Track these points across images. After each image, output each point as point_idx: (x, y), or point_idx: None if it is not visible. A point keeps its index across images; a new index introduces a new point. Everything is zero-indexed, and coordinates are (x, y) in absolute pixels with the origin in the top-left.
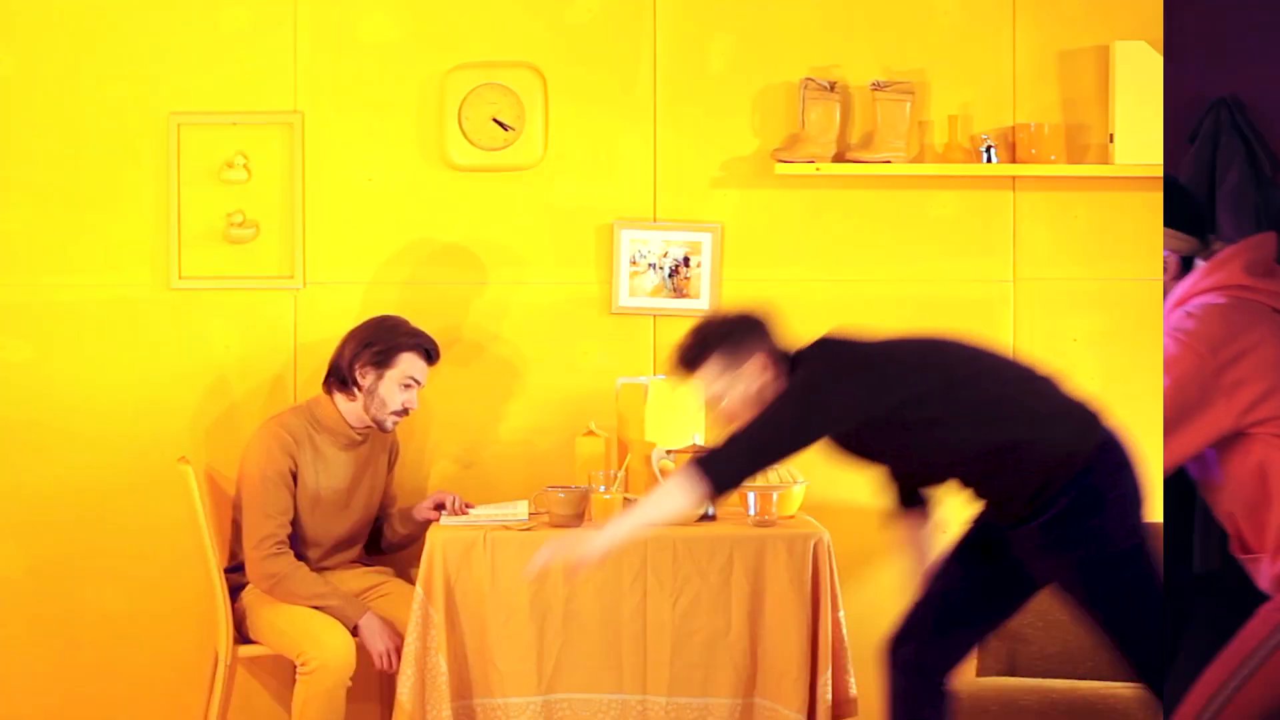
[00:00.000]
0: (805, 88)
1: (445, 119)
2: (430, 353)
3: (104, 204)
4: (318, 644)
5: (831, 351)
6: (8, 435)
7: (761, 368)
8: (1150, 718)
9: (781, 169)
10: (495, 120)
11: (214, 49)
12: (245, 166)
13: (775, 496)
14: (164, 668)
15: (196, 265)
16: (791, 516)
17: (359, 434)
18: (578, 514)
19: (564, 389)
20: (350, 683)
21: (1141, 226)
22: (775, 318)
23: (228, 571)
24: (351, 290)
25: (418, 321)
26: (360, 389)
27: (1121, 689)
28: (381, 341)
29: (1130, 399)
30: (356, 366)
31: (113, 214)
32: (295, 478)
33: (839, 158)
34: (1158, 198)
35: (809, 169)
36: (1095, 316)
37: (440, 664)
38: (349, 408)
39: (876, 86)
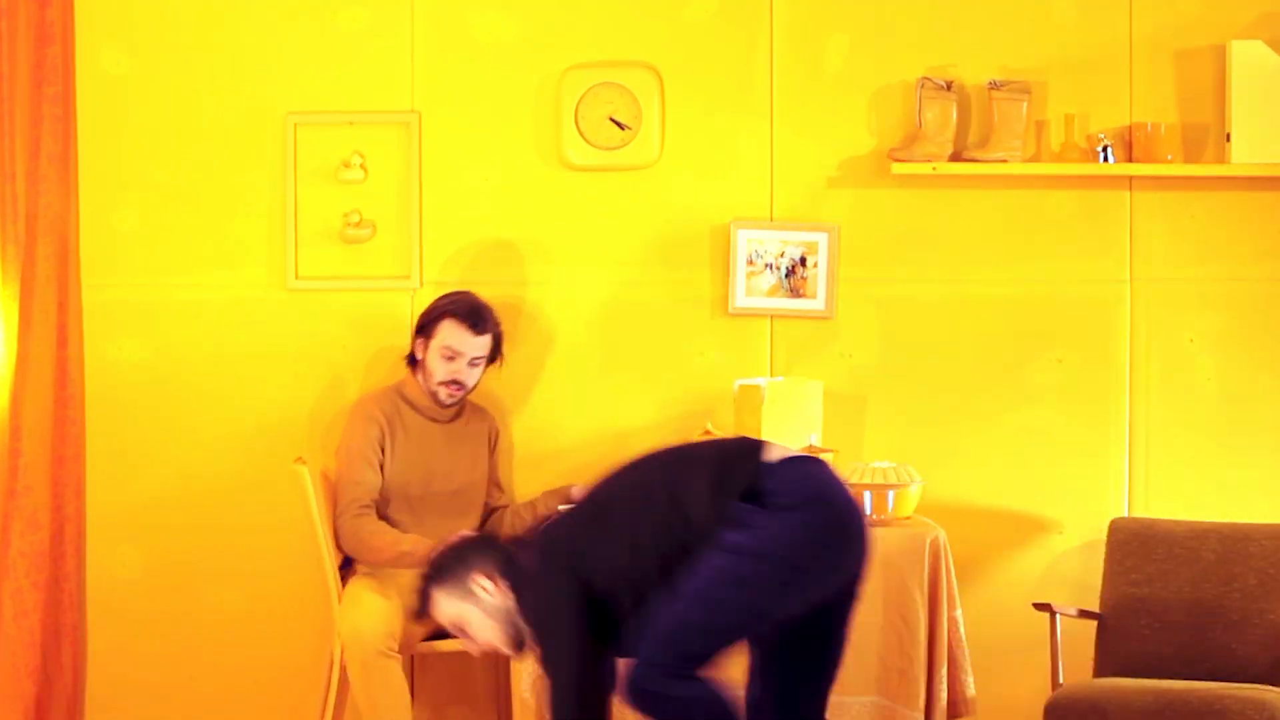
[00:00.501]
0: (922, 87)
1: (562, 118)
2: (470, 320)
3: (221, 204)
4: (345, 616)
5: (538, 562)
6: (125, 435)
7: (485, 586)
8: (1267, 718)
9: (898, 168)
10: (612, 120)
11: (331, 49)
12: (362, 166)
13: (891, 496)
14: (280, 667)
15: (313, 265)
16: (908, 517)
17: (444, 408)
18: None
19: (681, 389)
20: (397, 655)
21: (1260, 226)
22: (487, 537)
23: (341, 569)
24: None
25: (532, 319)
26: (418, 362)
27: (1237, 689)
28: (427, 312)
29: (1249, 398)
30: (413, 340)
31: (229, 214)
32: (384, 451)
33: (956, 157)
34: (1276, 197)
35: (926, 168)
36: (1212, 316)
37: None
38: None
39: (993, 86)
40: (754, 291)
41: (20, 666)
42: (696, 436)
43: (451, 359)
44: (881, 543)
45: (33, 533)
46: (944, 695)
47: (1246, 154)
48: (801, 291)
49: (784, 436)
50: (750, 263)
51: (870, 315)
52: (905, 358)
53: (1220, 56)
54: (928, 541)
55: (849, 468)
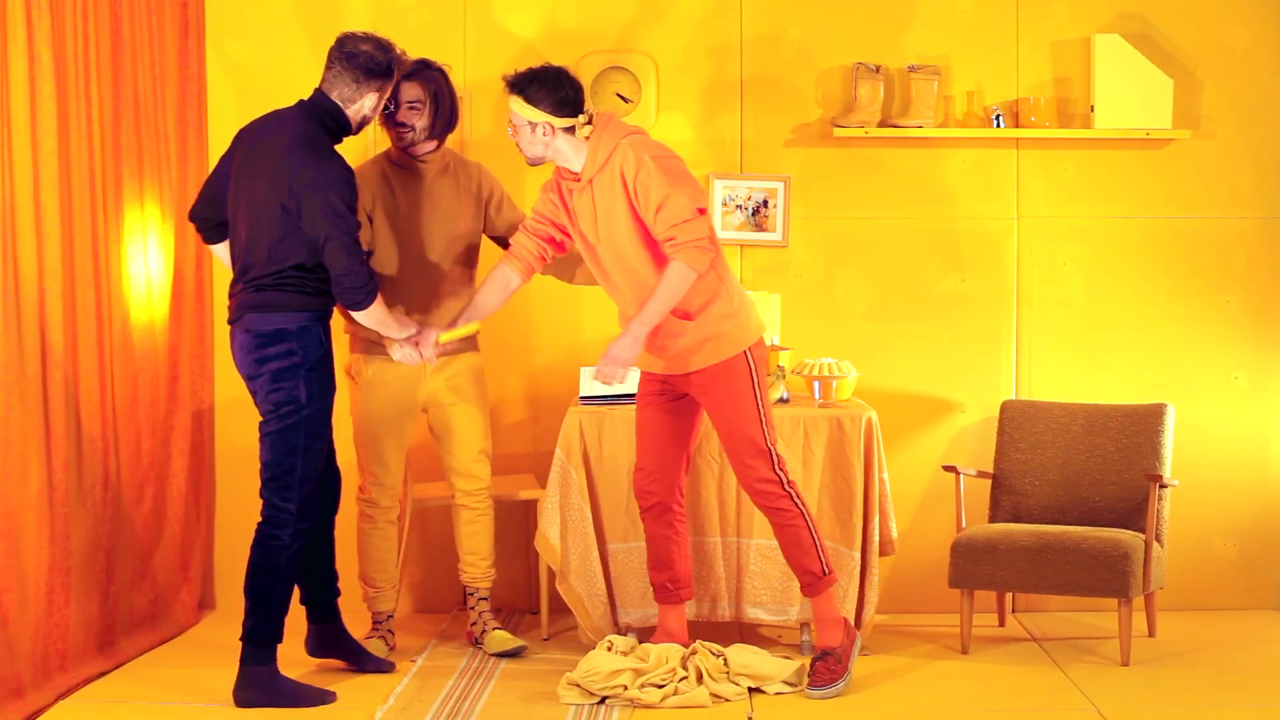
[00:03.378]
0: (857, 70)
1: None
2: (404, 74)
3: None
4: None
5: None
6: None
7: None
8: (1120, 554)
9: (839, 132)
10: (618, 95)
11: (401, 41)
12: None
13: (835, 385)
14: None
15: None
16: (847, 400)
17: (407, 151)
18: None
19: None
20: (378, 519)
21: (1116, 177)
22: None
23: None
24: None
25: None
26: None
27: (1097, 531)
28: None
29: (1108, 309)
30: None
31: None
32: (374, 205)
33: (883, 123)
34: (1129, 154)
35: (859, 132)
36: (1080, 246)
37: (586, 513)
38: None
39: (911, 69)
40: (728, 226)
41: (173, 512)
42: None
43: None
44: (827, 421)
45: (180, 411)
46: (876, 537)
47: (1106, 121)
48: (764, 226)
49: None
50: (725, 205)
51: (817, 244)
52: (845, 277)
53: (1086, 46)
54: (863, 420)
55: (800, 362)
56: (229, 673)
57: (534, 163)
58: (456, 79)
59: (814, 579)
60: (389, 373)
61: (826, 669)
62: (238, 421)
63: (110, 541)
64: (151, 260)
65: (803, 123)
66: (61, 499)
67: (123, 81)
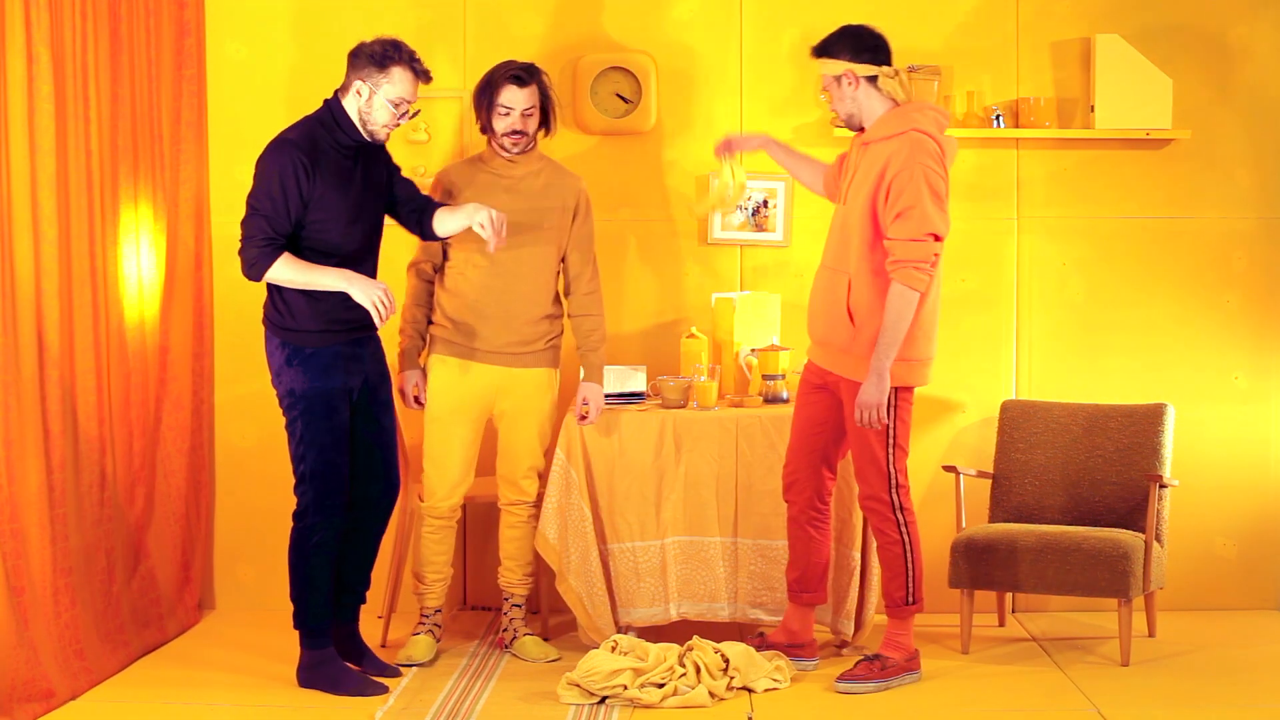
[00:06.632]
0: None
1: (579, 94)
2: (515, 79)
3: None
4: (423, 484)
5: None
6: (243, 337)
7: None
8: (1120, 554)
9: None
10: (618, 95)
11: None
12: (426, 131)
13: None
14: None
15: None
16: None
17: (513, 157)
18: (683, 398)
19: (671, 301)
20: (451, 523)
21: (1116, 177)
22: None
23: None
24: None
25: None
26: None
27: (1097, 531)
28: (479, 84)
29: (1108, 309)
30: (477, 113)
31: None
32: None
33: None
34: (1129, 154)
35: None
36: (1080, 246)
37: (586, 513)
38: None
39: (911, 69)
40: (727, 227)
41: (171, 512)
42: (684, 338)
43: (506, 115)
44: None
45: (177, 411)
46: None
47: (1106, 121)
48: (764, 226)
49: (751, 339)
50: None
51: (817, 245)
52: None
53: (1087, 46)
54: None
55: (801, 363)
56: (229, 673)
57: (846, 124)
58: (457, 79)
59: (895, 604)
60: (465, 375)
61: (868, 669)
62: (238, 421)
63: (110, 542)
64: (145, 261)
65: (803, 123)
66: (60, 499)
67: (120, 82)
